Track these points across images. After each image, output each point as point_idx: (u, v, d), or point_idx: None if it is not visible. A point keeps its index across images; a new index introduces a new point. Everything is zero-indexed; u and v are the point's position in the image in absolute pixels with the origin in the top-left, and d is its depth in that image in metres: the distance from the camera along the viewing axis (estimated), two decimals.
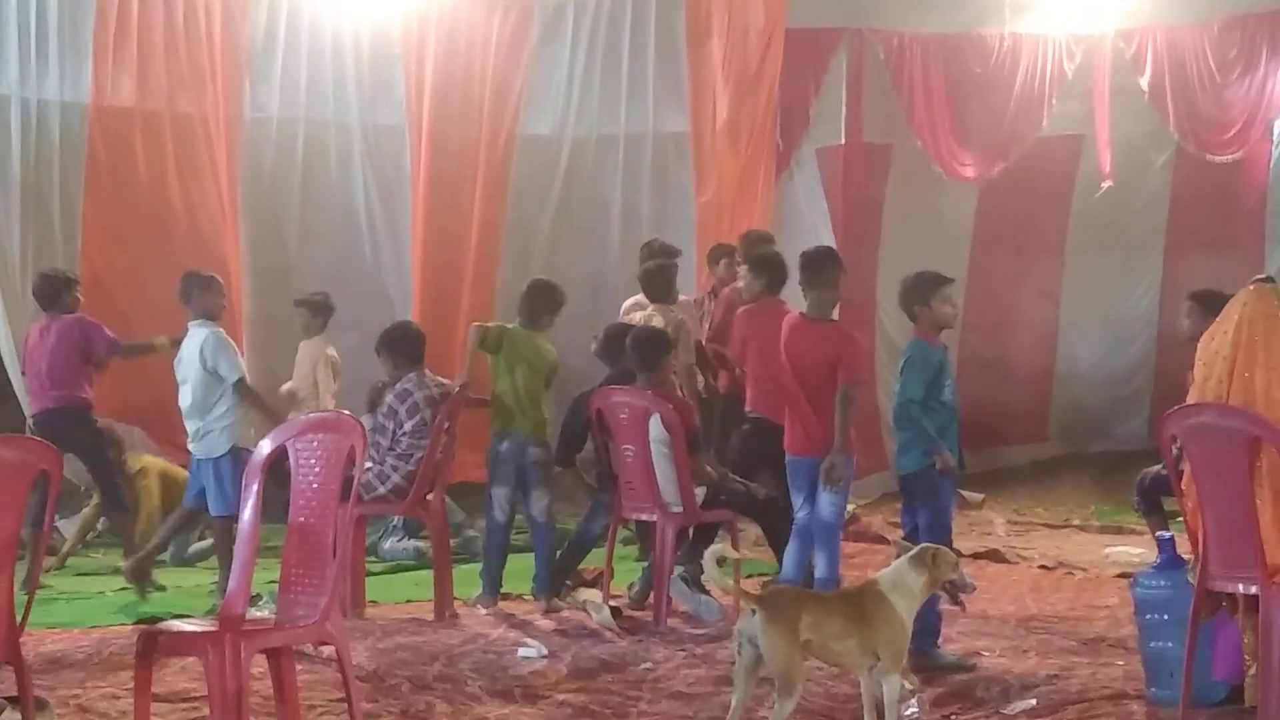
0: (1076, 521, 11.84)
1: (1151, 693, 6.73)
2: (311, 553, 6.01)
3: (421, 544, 10.35)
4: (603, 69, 12.43)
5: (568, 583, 9.15)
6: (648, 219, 12.25)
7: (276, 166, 12.06)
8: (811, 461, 7.89)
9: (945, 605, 6.76)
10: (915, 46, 12.63)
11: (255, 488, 6.08)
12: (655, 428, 8.60)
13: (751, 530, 9.59)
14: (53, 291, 9.93)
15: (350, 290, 12.00)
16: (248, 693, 5.74)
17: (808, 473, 7.94)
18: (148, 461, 10.69)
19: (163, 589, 9.51)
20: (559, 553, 9.17)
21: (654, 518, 8.68)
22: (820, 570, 7.93)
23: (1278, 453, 6.05)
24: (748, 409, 9.15)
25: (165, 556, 10.08)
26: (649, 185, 12.54)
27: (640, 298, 10.23)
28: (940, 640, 7.54)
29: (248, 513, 6.05)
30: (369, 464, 8.60)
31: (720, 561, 6.57)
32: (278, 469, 6.14)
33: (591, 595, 8.96)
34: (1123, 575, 9.21)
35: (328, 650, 6.70)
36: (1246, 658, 6.36)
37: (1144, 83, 12.76)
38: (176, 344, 9.52)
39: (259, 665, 6.04)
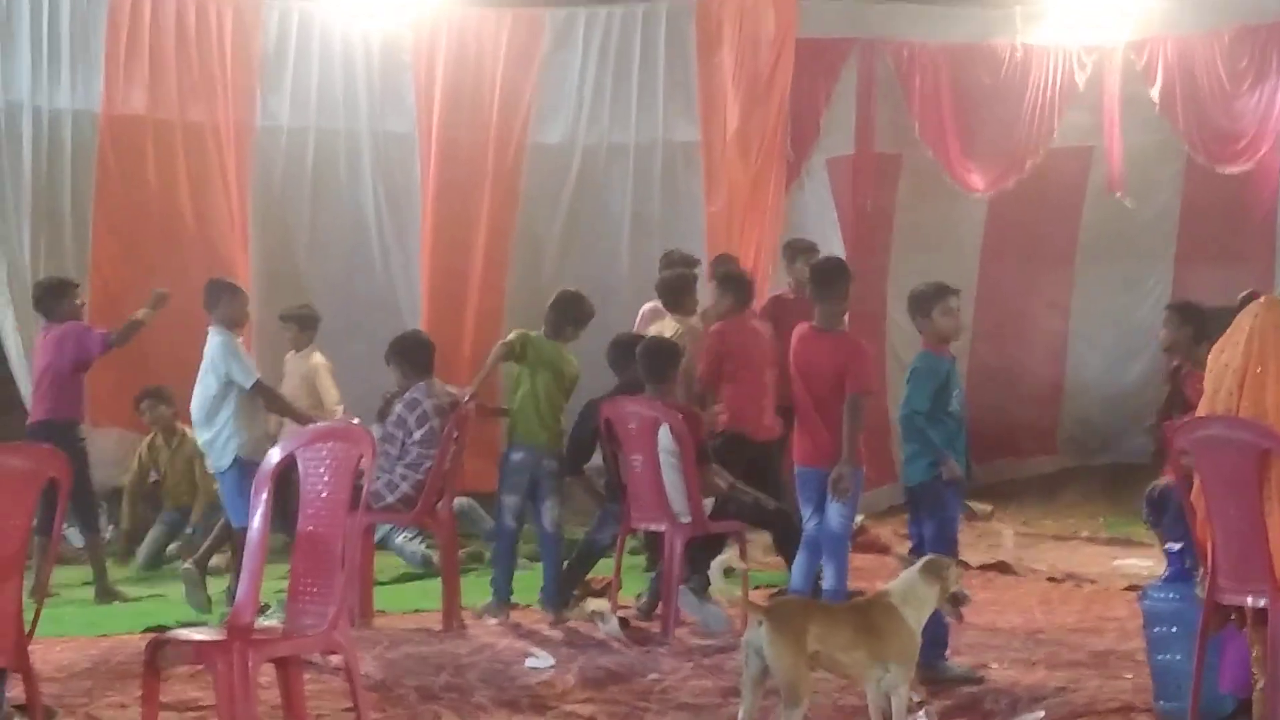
0: (1085, 533, 11.82)
1: (1160, 705, 6.72)
2: (320, 562, 6.02)
3: (430, 552, 10.35)
4: (613, 78, 12.44)
5: (575, 593, 9.15)
6: (657, 228, 12.25)
7: (287, 175, 12.09)
8: (820, 472, 7.89)
9: (946, 618, 6.74)
10: (926, 57, 12.62)
11: (264, 497, 6.09)
12: (664, 438, 8.60)
13: (760, 540, 9.57)
14: (49, 299, 9.91)
15: (359, 298, 12.04)
16: (256, 702, 5.74)
17: (816, 483, 7.94)
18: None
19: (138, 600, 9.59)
20: (566, 563, 9.18)
21: (662, 528, 8.68)
22: (828, 581, 7.94)
23: None
24: (719, 426, 9.18)
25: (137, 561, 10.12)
26: (659, 194, 12.55)
27: (658, 304, 10.22)
28: (948, 652, 7.53)
29: (256, 521, 6.06)
30: (378, 473, 8.60)
31: (728, 572, 6.57)
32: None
33: (599, 605, 8.96)
34: (1131, 588, 9.18)
35: (336, 659, 6.73)
36: (1255, 671, 6.34)
37: (1154, 94, 12.75)
38: (161, 301, 9.50)
39: (267, 674, 6.05)
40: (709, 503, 8.71)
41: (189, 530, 10.91)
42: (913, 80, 12.63)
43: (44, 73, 11.27)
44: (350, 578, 6.34)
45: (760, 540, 9.52)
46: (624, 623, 8.56)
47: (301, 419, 9.08)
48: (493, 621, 8.77)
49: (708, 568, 6.54)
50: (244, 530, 8.49)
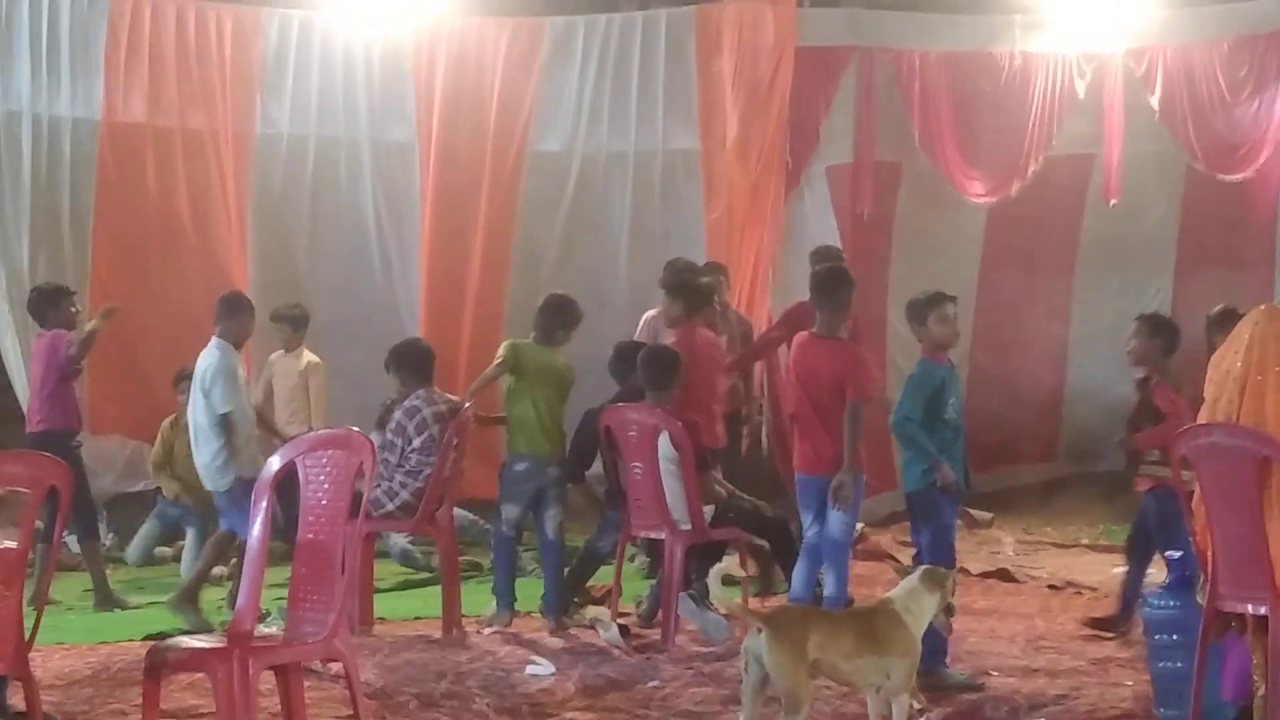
0: (1085, 541, 11.82)
1: (1160, 713, 6.72)
2: (320, 569, 6.02)
3: (412, 548, 10.35)
4: (612, 86, 12.42)
5: (576, 600, 9.15)
6: (657, 236, 12.24)
7: (287, 182, 12.09)
8: (821, 480, 7.90)
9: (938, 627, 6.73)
10: (925, 65, 12.62)
11: (264, 504, 6.09)
12: (664, 445, 8.60)
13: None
14: (44, 305, 9.88)
15: (359, 305, 12.04)
16: (256, 709, 5.74)
17: (817, 491, 7.94)
18: None
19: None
20: (567, 570, 9.18)
21: (662, 535, 8.68)
22: (829, 589, 7.93)
23: None
24: None
25: (125, 556, 10.08)
26: (658, 202, 12.54)
27: (659, 311, 10.22)
28: (948, 659, 7.53)
29: (256, 529, 6.06)
30: (377, 481, 8.59)
31: (727, 580, 6.58)
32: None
33: (600, 613, 8.95)
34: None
35: (336, 667, 6.72)
36: (1255, 678, 6.34)
37: (1154, 102, 12.76)
38: (110, 314, 9.48)
39: (267, 682, 6.05)
40: (709, 510, 8.72)
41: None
42: (912, 88, 12.62)
43: (44, 80, 11.27)
44: (350, 585, 6.33)
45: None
46: (624, 630, 8.55)
47: (283, 437, 9.05)
48: (496, 629, 8.74)
49: (708, 575, 6.55)
50: (234, 536, 8.56)
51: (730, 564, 7.95)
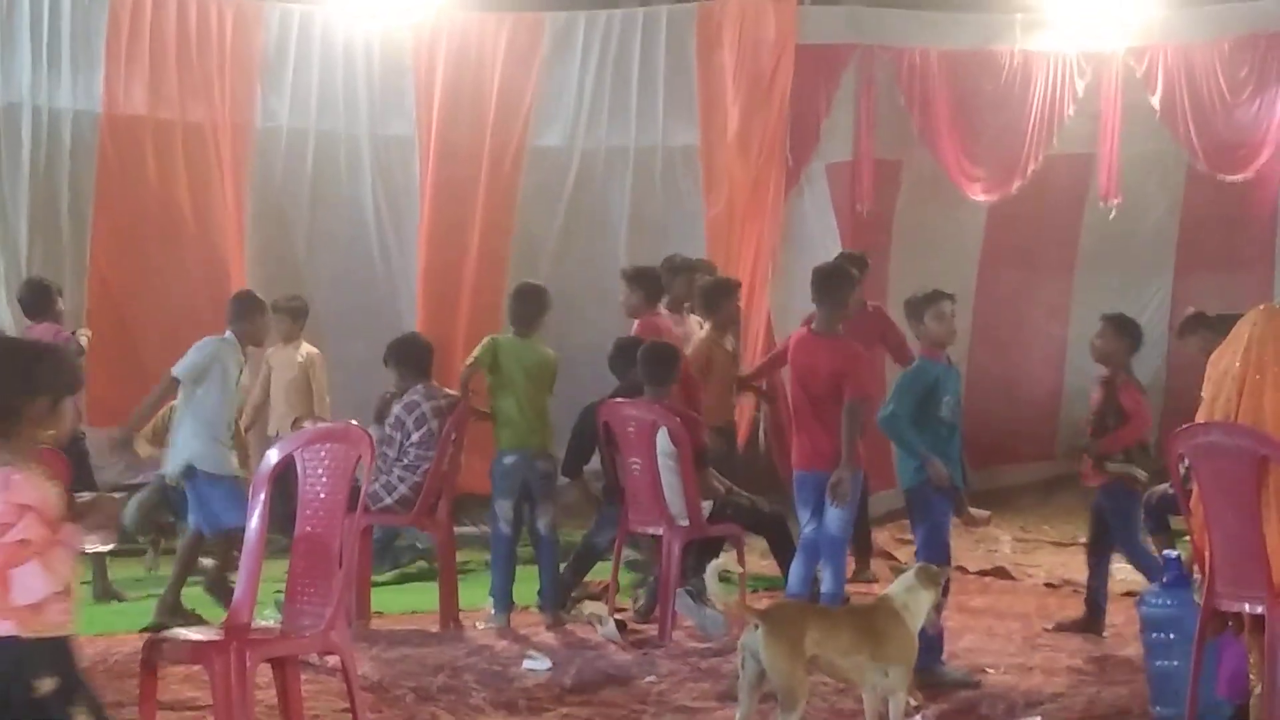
0: (1083, 539, 11.73)
1: (1156, 711, 6.73)
2: (318, 563, 6.03)
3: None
4: (613, 82, 12.42)
5: (573, 595, 9.15)
6: (656, 232, 12.24)
7: (287, 176, 12.08)
8: (819, 476, 7.90)
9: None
10: (926, 63, 12.61)
11: (261, 497, 6.10)
12: (662, 441, 8.61)
13: (757, 543, 9.56)
14: (35, 300, 9.84)
15: (358, 300, 12.03)
16: (252, 702, 5.75)
17: (815, 487, 7.95)
18: None
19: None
20: (564, 566, 9.18)
21: (660, 531, 8.68)
22: (826, 585, 7.94)
23: None
24: None
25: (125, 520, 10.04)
26: (658, 198, 12.54)
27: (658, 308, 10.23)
28: (945, 656, 7.54)
29: (254, 522, 6.07)
30: (376, 475, 8.59)
31: (724, 576, 6.59)
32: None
33: (597, 608, 8.95)
34: (1129, 594, 9.19)
35: (333, 660, 6.72)
36: (1252, 677, 6.35)
37: (1155, 101, 12.76)
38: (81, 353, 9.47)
39: (264, 675, 6.05)
40: (707, 506, 8.72)
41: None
42: (913, 86, 12.62)
43: (44, 72, 11.27)
44: (347, 579, 6.34)
45: (758, 544, 9.50)
46: (621, 625, 8.56)
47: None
48: (493, 627, 8.73)
49: (705, 571, 6.56)
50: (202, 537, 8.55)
51: (728, 560, 7.95)
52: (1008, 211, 12.85)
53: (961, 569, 9.90)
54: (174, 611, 8.73)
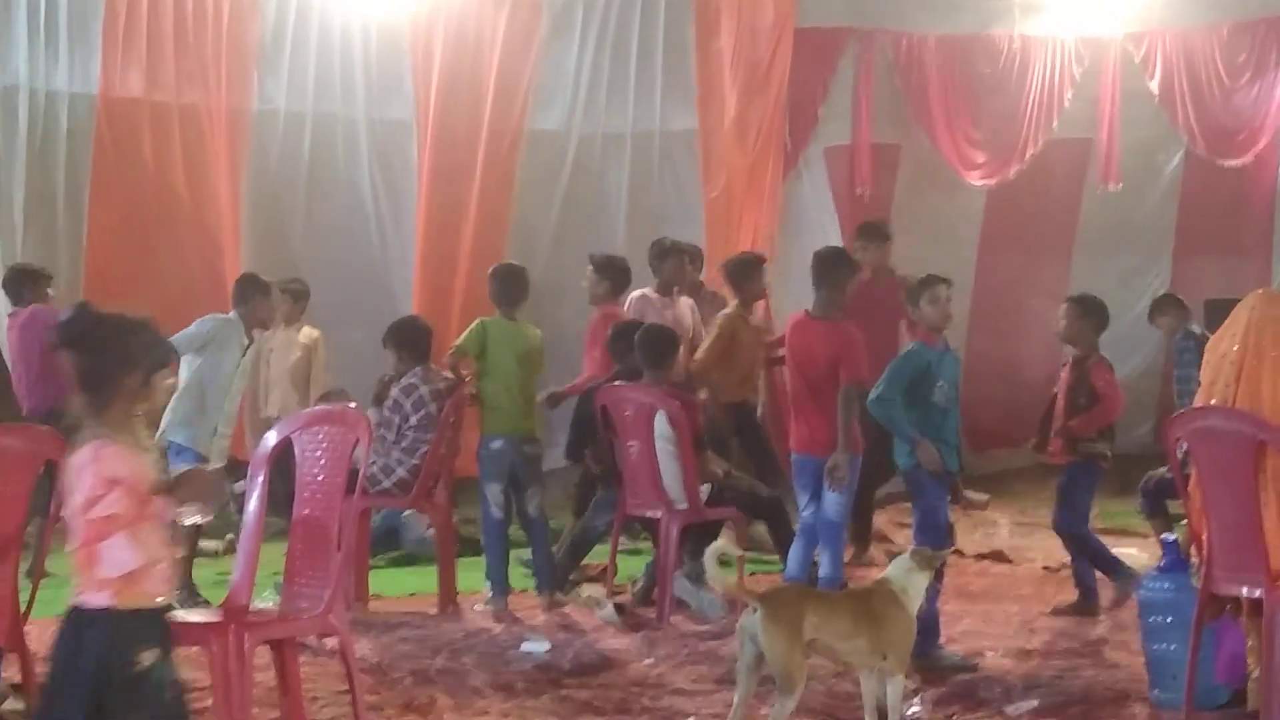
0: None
1: (1154, 695, 6.74)
2: (316, 545, 6.03)
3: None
4: (611, 66, 12.41)
5: (571, 578, 9.15)
6: (654, 216, 12.22)
7: (283, 159, 12.05)
8: (816, 460, 7.90)
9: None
10: (924, 47, 12.61)
11: (260, 479, 6.09)
12: (660, 424, 8.61)
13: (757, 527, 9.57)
14: (20, 285, 9.85)
15: (356, 283, 12.01)
16: (251, 684, 5.75)
17: (813, 472, 7.94)
18: None
19: None
20: (564, 548, 9.19)
21: (658, 515, 8.69)
22: (824, 569, 7.94)
23: None
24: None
25: None
26: (656, 182, 12.54)
27: (648, 292, 10.23)
28: (943, 640, 7.54)
29: (252, 504, 6.06)
30: (374, 458, 8.58)
31: (723, 559, 6.59)
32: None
33: (595, 591, 8.96)
34: None
35: (331, 642, 6.73)
36: (1249, 661, 6.36)
37: (1154, 86, 12.75)
38: None
39: (262, 656, 6.05)
40: (705, 489, 8.72)
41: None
42: (911, 70, 12.62)
43: (41, 55, 11.25)
44: (346, 561, 6.33)
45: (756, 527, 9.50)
46: (620, 608, 8.56)
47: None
48: (491, 609, 8.73)
49: (703, 554, 6.56)
50: None
51: (726, 543, 7.95)
52: (1006, 196, 12.85)
53: (959, 553, 9.91)
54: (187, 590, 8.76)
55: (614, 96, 12.44)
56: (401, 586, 9.39)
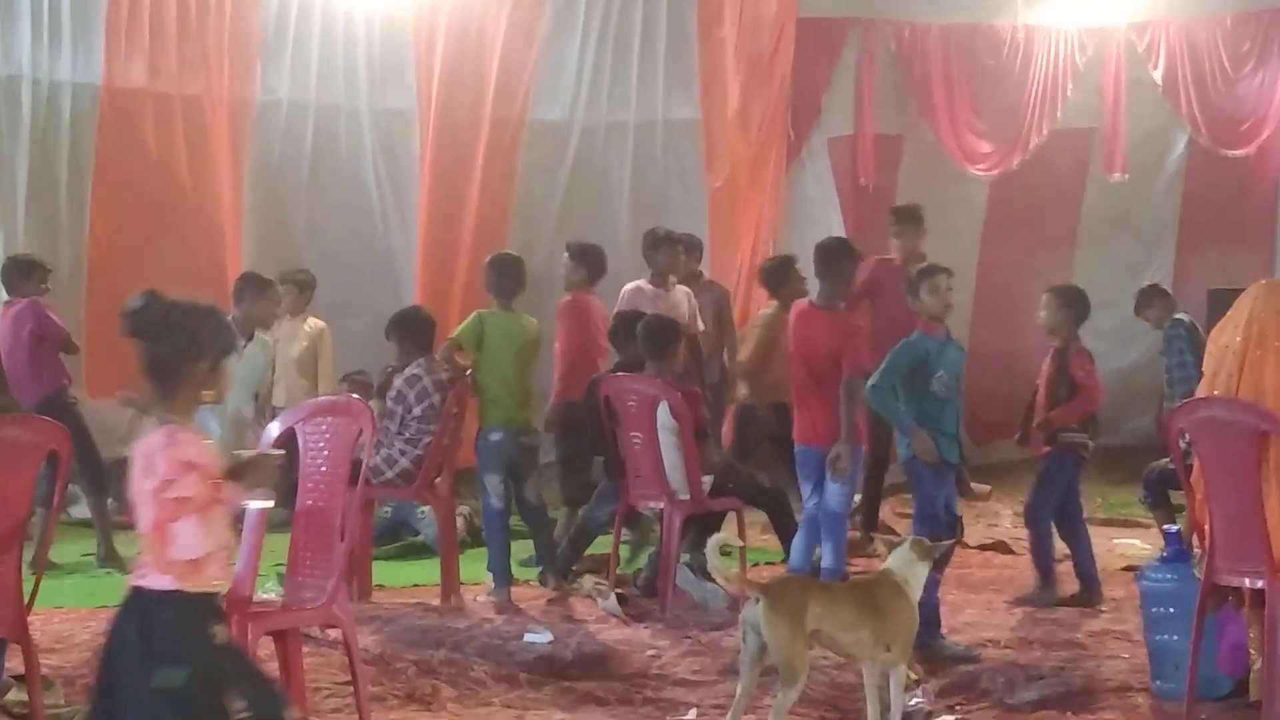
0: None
1: (1156, 685, 6.75)
2: (319, 536, 6.03)
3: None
4: (614, 55, 12.40)
5: (575, 569, 9.15)
6: (657, 206, 12.21)
7: (286, 150, 12.05)
8: (819, 451, 7.90)
9: None
10: (927, 37, 12.61)
11: None
12: (663, 415, 8.61)
13: (758, 517, 9.57)
14: (16, 276, 9.83)
15: (359, 274, 12.01)
16: None
17: (815, 462, 7.94)
18: None
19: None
20: (567, 539, 9.20)
21: (661, 505, 8.69)
22: (826, 560, 7.94)
23: None
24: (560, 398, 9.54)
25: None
26: (659, 173, 12.53)
27: (641, 283, 10.24)
28: (945, 631, 7.55)
29: None
30: (377, 448, 8.57)
31: (725, 549, 6.59)
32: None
33: (597, 582, 8.96)
34: (1129, 568, 9.21)
35: (334, 633, 6.73)
36: (1252, 652, 6.37)
37: (1158, 76, 12.75)
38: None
39: (265, 647, 6.06)
40: (708, 480, 8.73)
41: None
42: (914, 61, 12.62)
43: (44, 45, 11.24)
44: (349, 552, 6.34)
45: (759, 518, 9.51)
46: (622, 599, 8.57)
47: None
48: (494, 601, 8.72)
49: (706, 545, 6.56)
50: None
51: (727, 534, 7.96)
52: (1009, 187, 12.84)
53: (962, 544, 9.90)
54: None
55: (616, 86, 12.44)
56: (404, 578, 9.39)
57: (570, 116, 12.44)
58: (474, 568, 9.14)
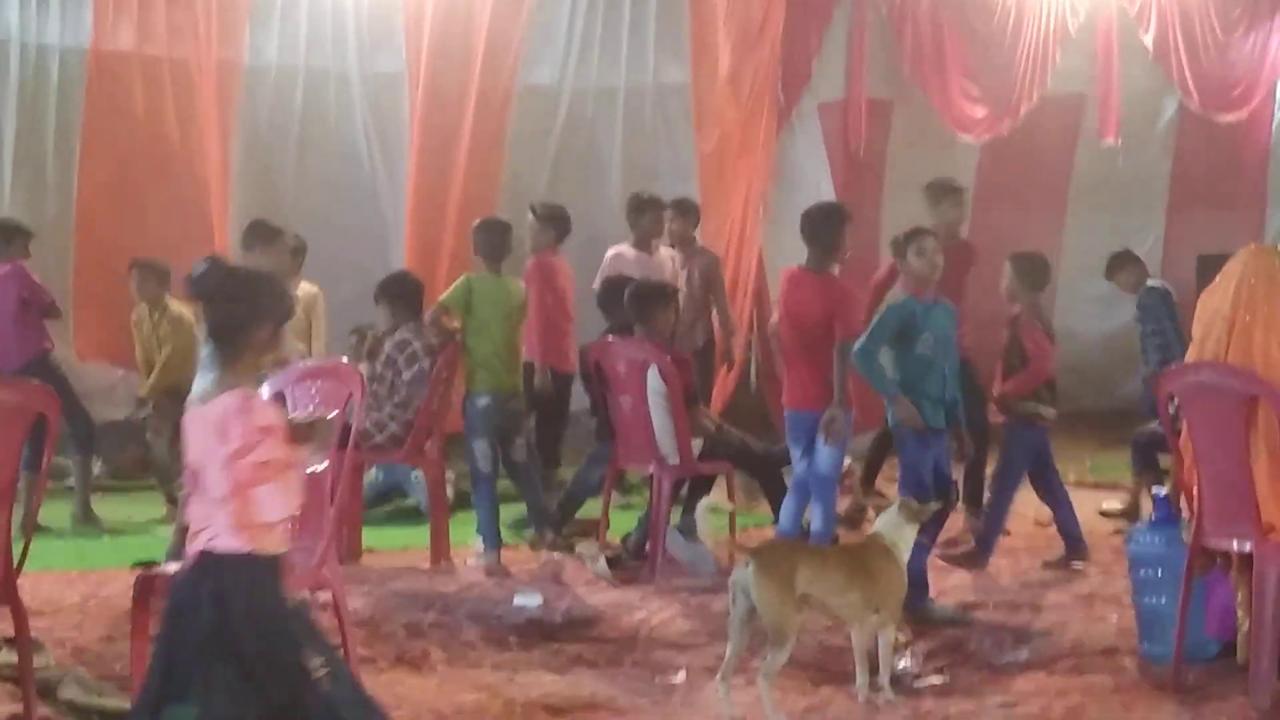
0: (1072, 478, 11.75)
1: (1144, 648, 6.77)
2: (309, 499, 6.02)
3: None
4: (604, 19, 12.35)
5: (564, 532, 9.16)
6: (648, 171, 12.19)
7: (275, 114, 12.01)
8: (810, 415, 7.91)
9: None
10: (917, 2, 12.55)
11: None
12: (653, 379, 8.61)
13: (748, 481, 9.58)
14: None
15: (348, 238, 11.97)
16: None
17: (806, 427, 7.95)
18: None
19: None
20: (558, 502, 9.22)
21: (650, 469, 8.70)
22: (816, 523, 7.96)
23: (1274, 411, 6.05)
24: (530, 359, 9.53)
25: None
26: (649, 137, 12.50)
27: (624, 248, 10.23)
28: (934, 594, 7.57)
29: None
30: (366, 412, 8.56)
31: (714, 512, 6.61)
32: None
33: (587, 546, 8.96)
34: (1117, 532, 9.24)
35: (324, 596, 6.72)
36: (1239, 614, 6.39)
37: (1149, 41, 12.71)
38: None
39: None
40: (697, 444, 8.73)
41: None
42: (905, 25, 12.55)
43: (33, 8, 11.22)
44: (339, 516, 6.34)
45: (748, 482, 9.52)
46: (612, 562, 8.58)
47: None
48: (483, 564, 8.72)
49: (696, 509, 6.57)
50: None
51: (717, 498, 7.97)
52: (1000, 152, 12.82)
53: (948, 506, 9.90)
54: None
55: (607, 51, 12.39)
56: (394, 541, 9.40)
57: (560, 81, 12.40)
58: (462, 530, 9.15)
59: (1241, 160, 13.21)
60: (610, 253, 10.29)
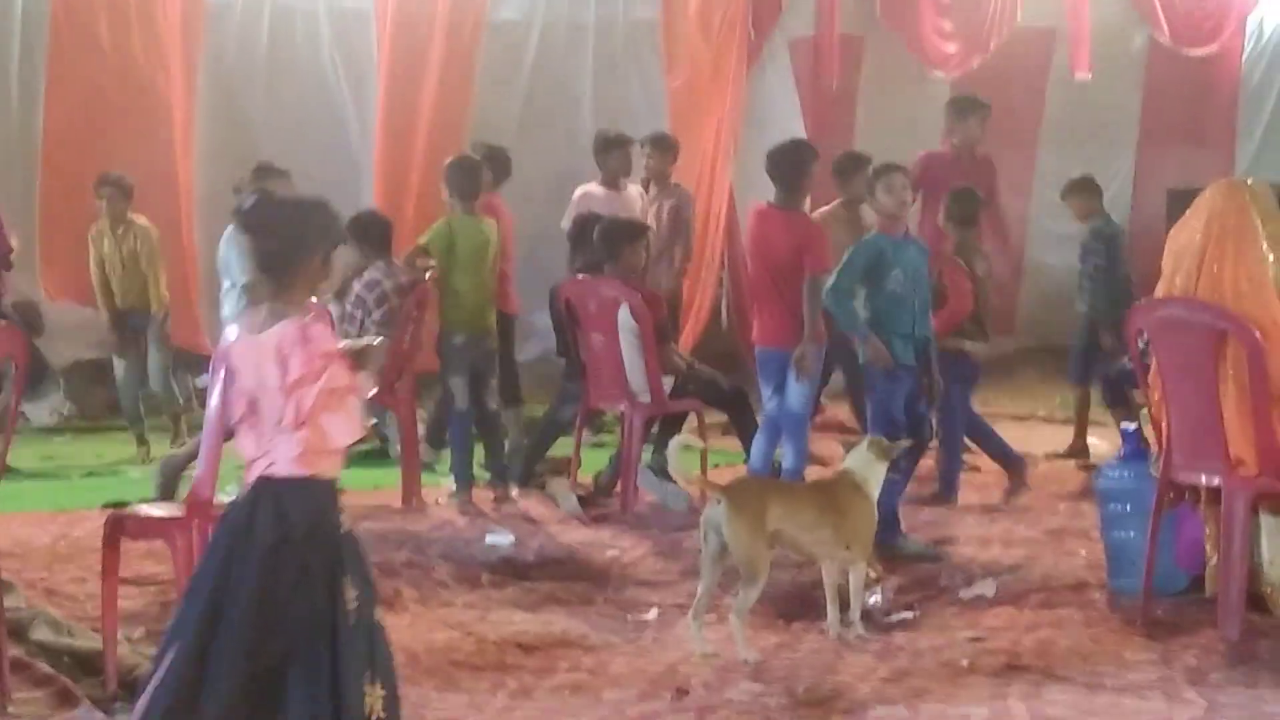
0: (1042, 413, 11.87)
1: (1114, 582, 6.80)
2: None
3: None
4: None
5: (536, 471, 9.15)
6: (618, 107, 12.11)
7: (241, 50, 11.87)
8: (780, 353, 7.90)
9: None
10: None
11: (221, 374, 6.04)
12: (624, 317, 8.58)
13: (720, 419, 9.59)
14: None
15: (317, 177, 11.82)
16: None
17: (776, 364, 7.95)
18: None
19: None
20: (528, 441, 9.21)
21: (621, 407, 8.69)
22: (787, 461, 7.98)
23: (1243, 346, 6.07)
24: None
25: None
26: (620, 72, 12.41)
27: (591, 186, 10.18)
28: (905, 529, 7.59)
29: (214, 399, 6.02)
30: None
31: (685, 450, 6.61)
32: None
33: (559, 484, 8.97)
34: (1086, 467, 9.28)
35: None
36: (1208, 548, 6.43)
37: None
38: None
39: None
40: (668, 382, 8.73)
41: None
42: None
43: None
44: None
45: (719, 419, 9.52)
46: (583, 500, 8.59)
47: None
48: (455, 503, 8.71)
49: (667, 446, 6.58)
50: None
51: (689, 435, 7.96)
52: (971, 87, 12.74)
53: (918, 444, 9.92)
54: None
55: None
56: (365, 481, 9.38)
57: (530, 16, 12.30)
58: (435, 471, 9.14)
59: (1212, 95, 13.20)
60: (578, 192, 10.25)
